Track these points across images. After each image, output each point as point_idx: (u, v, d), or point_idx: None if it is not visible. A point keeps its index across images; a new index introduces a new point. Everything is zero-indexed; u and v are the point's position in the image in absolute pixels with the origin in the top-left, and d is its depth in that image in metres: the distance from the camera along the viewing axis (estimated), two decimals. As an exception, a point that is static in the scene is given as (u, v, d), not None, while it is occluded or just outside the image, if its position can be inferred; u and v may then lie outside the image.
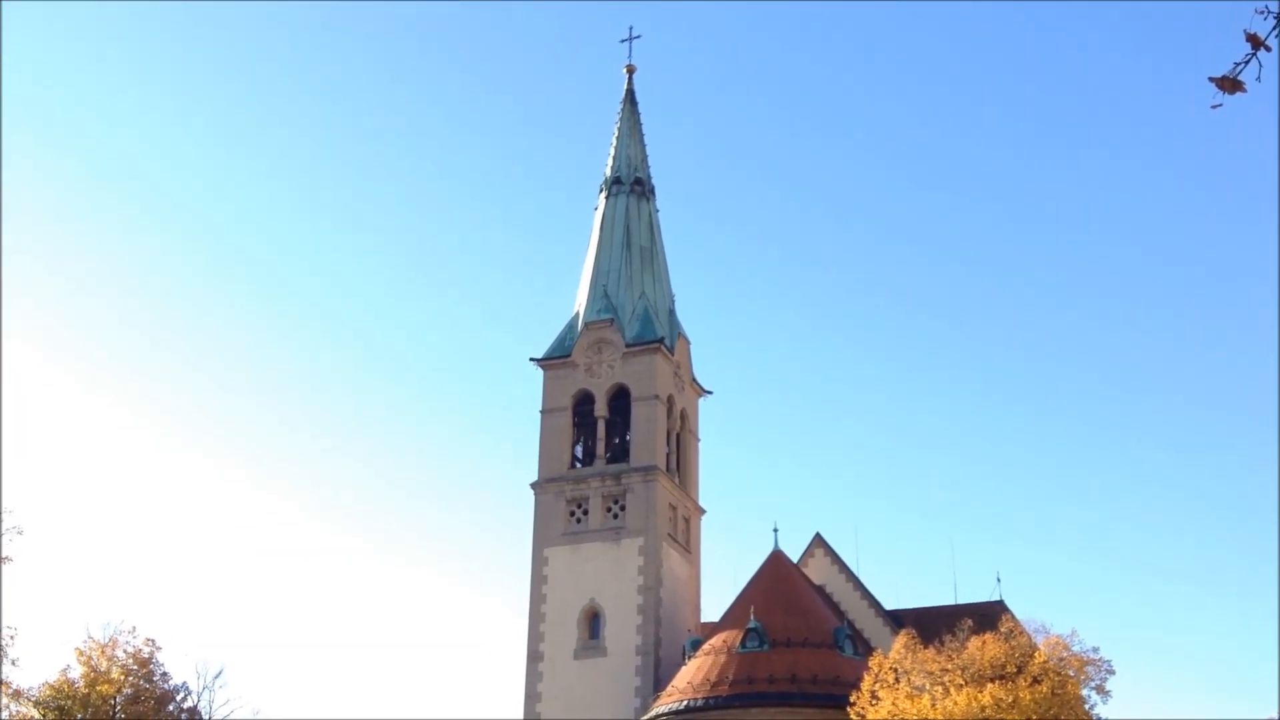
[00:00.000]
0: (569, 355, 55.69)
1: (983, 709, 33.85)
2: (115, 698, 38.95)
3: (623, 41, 62.56)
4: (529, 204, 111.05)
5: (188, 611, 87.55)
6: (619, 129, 61.22)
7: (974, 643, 35.84)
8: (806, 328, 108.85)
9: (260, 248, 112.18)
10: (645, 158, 61.15)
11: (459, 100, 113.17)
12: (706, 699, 44.74)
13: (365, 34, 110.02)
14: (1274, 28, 8.86)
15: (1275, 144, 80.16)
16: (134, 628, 40.34)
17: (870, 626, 50.76)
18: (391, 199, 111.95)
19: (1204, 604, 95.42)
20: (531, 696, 50.55)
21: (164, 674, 40.57)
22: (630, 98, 62.03)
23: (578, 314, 57.18)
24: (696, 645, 48.21)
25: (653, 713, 45.92)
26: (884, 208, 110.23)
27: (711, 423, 60.42)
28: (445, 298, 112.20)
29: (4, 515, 32.23)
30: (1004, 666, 35.19)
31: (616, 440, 54.83)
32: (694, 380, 58.35)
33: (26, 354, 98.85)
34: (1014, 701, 33.86)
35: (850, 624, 49.12)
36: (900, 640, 38.03)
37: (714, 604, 53.78)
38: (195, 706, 41.15)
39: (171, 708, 40.15)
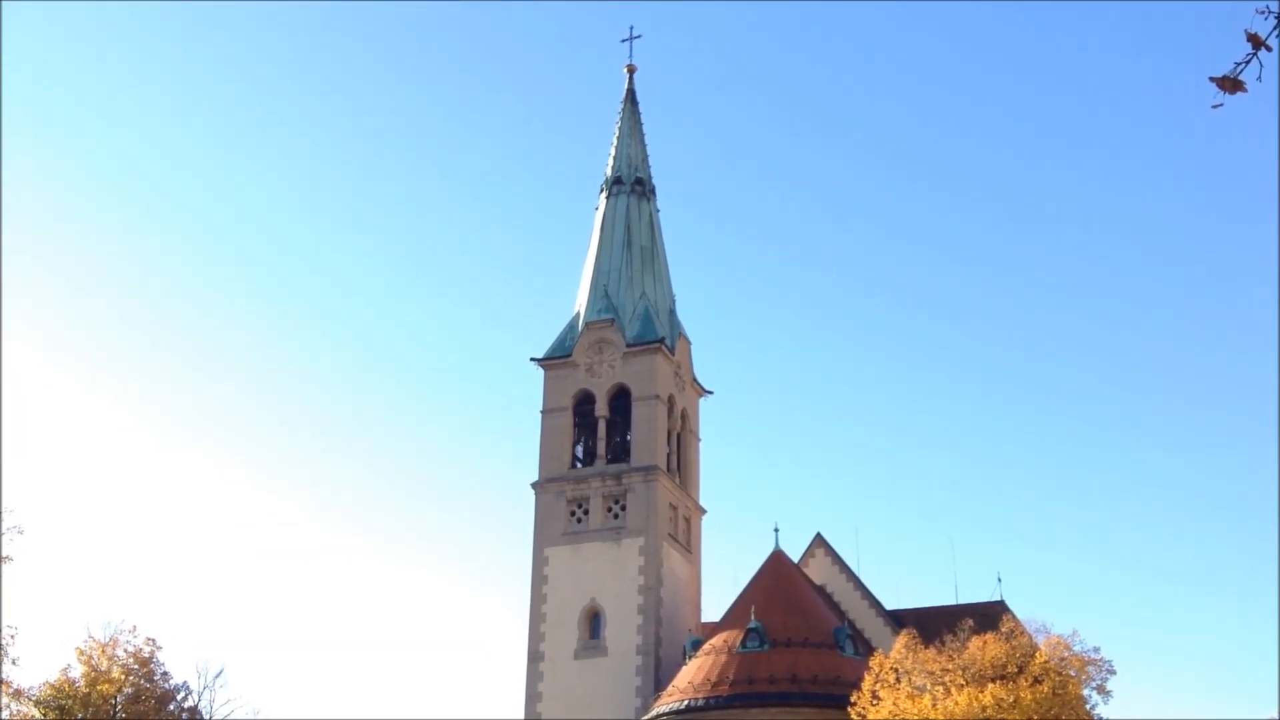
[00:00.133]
0: (569, 355, 55.69)
1: (984, 709, 33.85)
2: (116, 697, 38.96)
3: (623, 41, 62.66)
4: (529, 204, 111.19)
5: (188, 611, 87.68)
6: (619, 129, 61.22)
7: (975, 643, 35.83)
8: (806, 328, 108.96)
9: (260, 248, 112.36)
10: (646, 158, 61.16)
11: (459, 100, 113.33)
12: (707, 699, 44.74)
13: (365, 34, 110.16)
14: (1275, 27, 8.86)
15: (1275, 144, 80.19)
16: (134, 627, 40.41)
17: (871, 626, 50.76)
18: (391, 199, 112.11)
19: (1204, 604, 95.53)
20: (532, 696, 50.55)
21: (164, 673, 40.59)
22: (631, 97, 62.03)
23: (578, 314, 57.19)
24: (697, 645, 48.20)
25: (653, 713, 45.92)
26: (884, 208, 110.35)
27: (712, 423, 60.52)
28: (445, 298, 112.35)
29: (4, 515, 32.25)
30: (1005, 666, 35.18)
31: (617, 440, 54.83)
32: (694, 380, 58.35)
33: (26, 354, 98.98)
34: (1015, 701, 33.86)
35: (851, 624, 49.11)
36: (901, 640, 38.02)
37: (714, 604, 53.89)
38: (196, 706, 41.16)
39: (172, 707, 40.15)
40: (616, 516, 52.57)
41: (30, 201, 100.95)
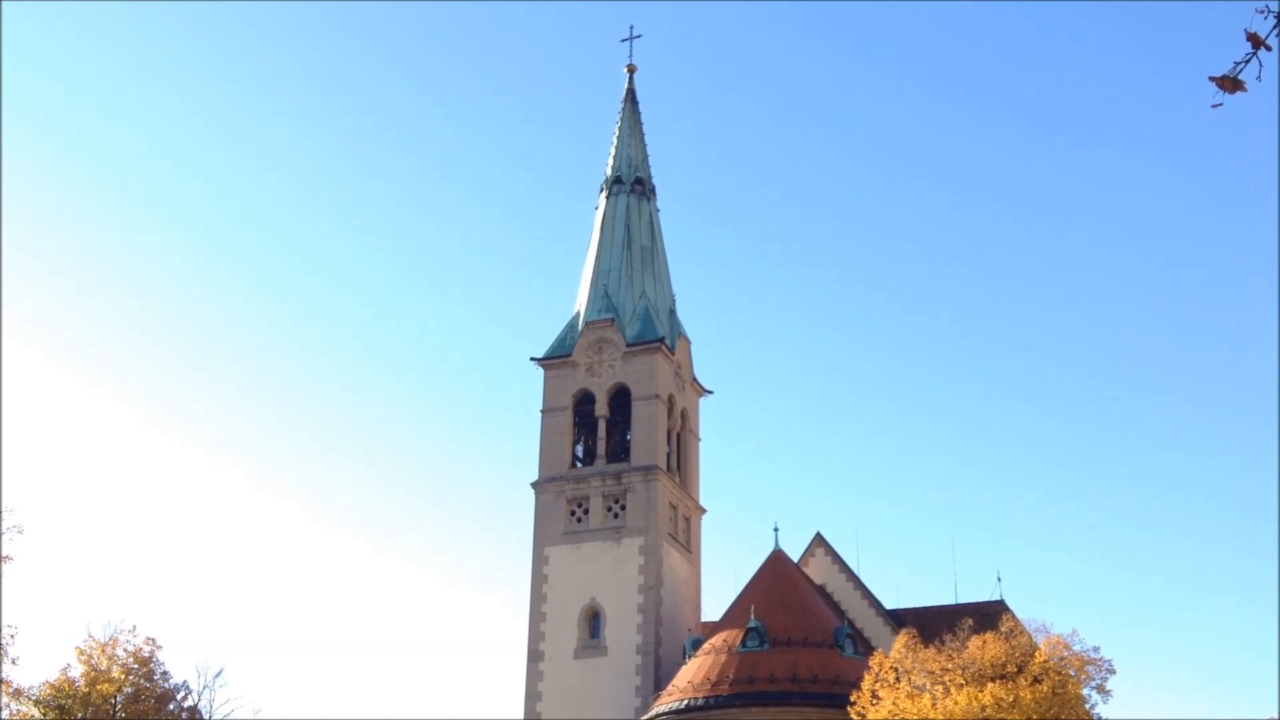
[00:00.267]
0: (569, 355, 55.70)
1: (983, 708, 33.85)
2: (116, 696, 38.94)
3: (623, 41, 62.66)
4: (529, 204, 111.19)
5: (188, 611, 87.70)
6: (619, 128, 61.22)
7: (974, 642, 35.83)
8: (806, 328, 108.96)
9: (260, 247, 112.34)
10: (646, 157, 61.15)
11: (459, 100, 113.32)
12: (707, 698, 44.74)
13: (365, 34, 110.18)
14: (1274, 27, 8.86)
15: (1275, 144, 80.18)
16: (134, 626, 40.36)
17: (871, 626, 50.77)
18: (392, 198, 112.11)
19: (1204, 604, 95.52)
20: (532, 696, 50.56)
21: (164, 673, 40.55)
22: (631, 97, 62.03)
23: (578, 313, 57.19)
24: (697, 645, 48.21)
25: (653, 712, 45.93)
26: (884, 207, 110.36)
27: (712, 422, 60.53)
28: (445, 297, 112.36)
29: (4, 514, 32.24)
30: (1004, 666, 35.18)
31: (617, 440, 54.84)
32: (694, 380, 58.36)
33: (26, 354, 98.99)
34: (1014, 701, 33.86)
35: (851, 623, 49.12)
36: (901, 640, 38.02)
37: (714, 603, 53.91)
38: (196, 705, 41.12)
39: (172, 707, 40.12)
40: (616, 516, 52.57)
41: (30, 201, 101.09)
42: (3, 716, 37.62)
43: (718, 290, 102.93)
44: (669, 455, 55.16)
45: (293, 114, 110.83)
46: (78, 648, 39.53)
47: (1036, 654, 35.53)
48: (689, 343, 58.42)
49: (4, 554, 32.26)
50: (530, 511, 53.91)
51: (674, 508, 54.10)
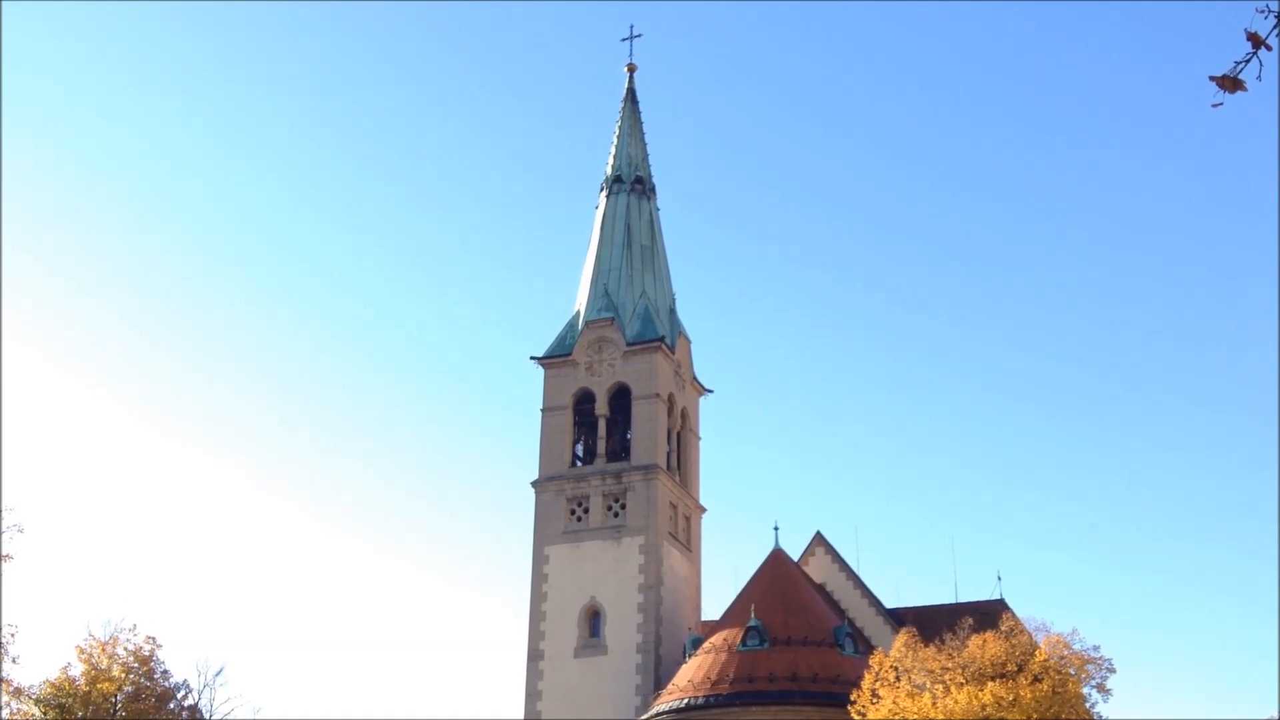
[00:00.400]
0: (570, 354, 55.70)
1: (983, 707, 33.86)
2: (116, 695, 38.97)
3: (623, 40, 62.65)
4: (529, 203, 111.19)
5: (188, 610, 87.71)
6: (620, 128, 61.22)
7: (974, 641, 35.84)
8: (807, 327, 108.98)
9: (260, 247, 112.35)
10: (646, 156, 61.15)
11: (460, 99, 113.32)
12: (707, 697, 44.76)
13: (366, 33, 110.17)
14: (1275, 27, 8.87)
15: (1276, 144, 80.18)
16: (135, 625, 40.39)
17: (871, 625, 50.79)
18: (392, 198, 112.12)
19: (1204, 604, 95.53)
20: (532, 695, 50.58)
21: (165, 672, 40.58)
22: (631, 96, 62.02)
23: (578, 313, 57.20)
24: (697, 644, 48.22)
25: (653, 711, 45.95)
26: (884, 207, 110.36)
27: (712, 421, 60.53)
28: (445, 297, 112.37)
29: (4, 513, 32.27)
30: (1004, 665, 35.19)
31: (617, 439, 54.84)
32: (694, 379, 58.37)
33: (26, 354, 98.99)
34: (1014, 700, 33.87)
35: (851, 622, 49.13)
36: (901, 639, 38.03)
37: (714, 602, 53.91)
38: (196, 704, 41.15)
39: (172, 705, 40.15)
40: (616, 515, 52.59)
41: (30, 201, 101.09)
42: (3, 715, 37.64)
43: (718, 290, 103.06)
44: (669, 454, 55.18)
45: (292, 114, 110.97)
46: (78, 646, 39.58)
47: (1036, 653, 35.54)
48: (689, 342, 58.43)
49: (4, 553, 32.31)
50: (530, 511, 53.96)
51: (674, 507, 54.11)
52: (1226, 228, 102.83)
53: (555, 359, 55.96)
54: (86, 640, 39.70)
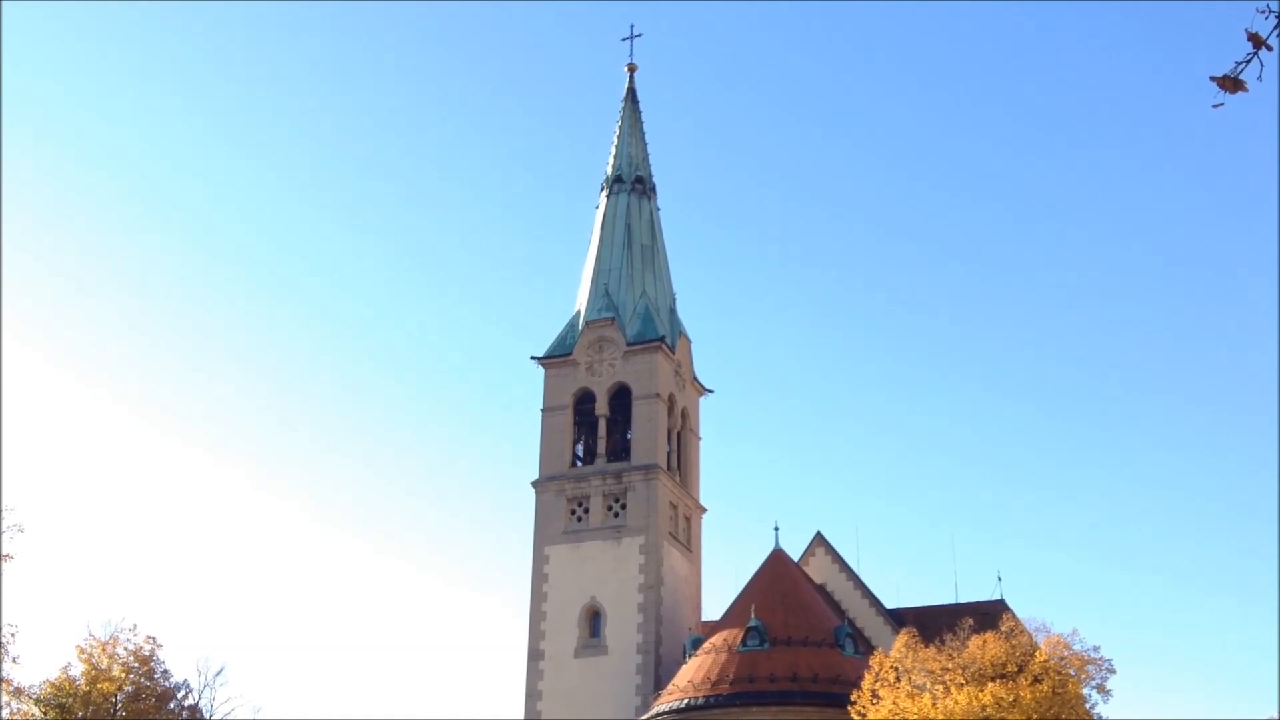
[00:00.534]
0: (570, 354, 55.69)
1: (983, 708, 33.85)
2: (116, 695, 38.96)
3: (624, 40, 62.66)
4: (530, 203, 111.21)
5: (188, 610, 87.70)
6: (620, 127, 61.21)
7: (975, 642, 35.84)
8: (807, 326, 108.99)
9: (260, 247, 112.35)
10: (646, 156, 61.14)
11: (460, 99, 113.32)
12: (707, 697, 44.74)
13: (366, 33, 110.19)
14: (1275, 27, 8.87)
15: (1276, 144, 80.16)
16: (135, 625, 40.41)
17: (871, 625, 50.78)
18: (392, 198, 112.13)
19: (1204, 604, 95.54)
20: (532, 695, 50.57)
21: (165, 672, 40.59)
22: (631, 96, 62.01)
23: (579, 312, 57.19)
24: (697, 644, 48.21)
25: (653, 711, 45.94)
26: (884, 207, 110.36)
27: (712, 421, 60.51)
28: (446, 297, 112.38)
29: (5, 513, 32.27)
30: (1005, 665, 35.18)
31: (617, 439, 54.83)
32: (695, 379, 58.36)
33: (26, 353, 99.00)
34: (1015, 700, 33.86)
35: (851, 623, 49.12)
36: (901, 639, 38.02)
37: (715, 603, 53.91)
38: (196, 704, 41.15)
39: (172, 705, 40.15)
40: (617, 515, 52.57)
41: (30, 200, 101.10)
42: (3, 715, 37.64)
43: (718, 290, 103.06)
44: (669, 454, 55.16)
45: (293, 114, 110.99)
46: (78, 646, 39.59)
47: (1037, 653, 35.53)
48: (689, 342, 58.42)
49: (4, 553, 32.30)
50: (530, 511, 53.96)
51: (674, 507, 54.10)
52: (1227, 228, 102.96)
53: (555, 359, 55.95)
54: (87, 640, 39.72)
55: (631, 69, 62.33)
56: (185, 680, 41.31)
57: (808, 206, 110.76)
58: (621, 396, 54.89)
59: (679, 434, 56.44)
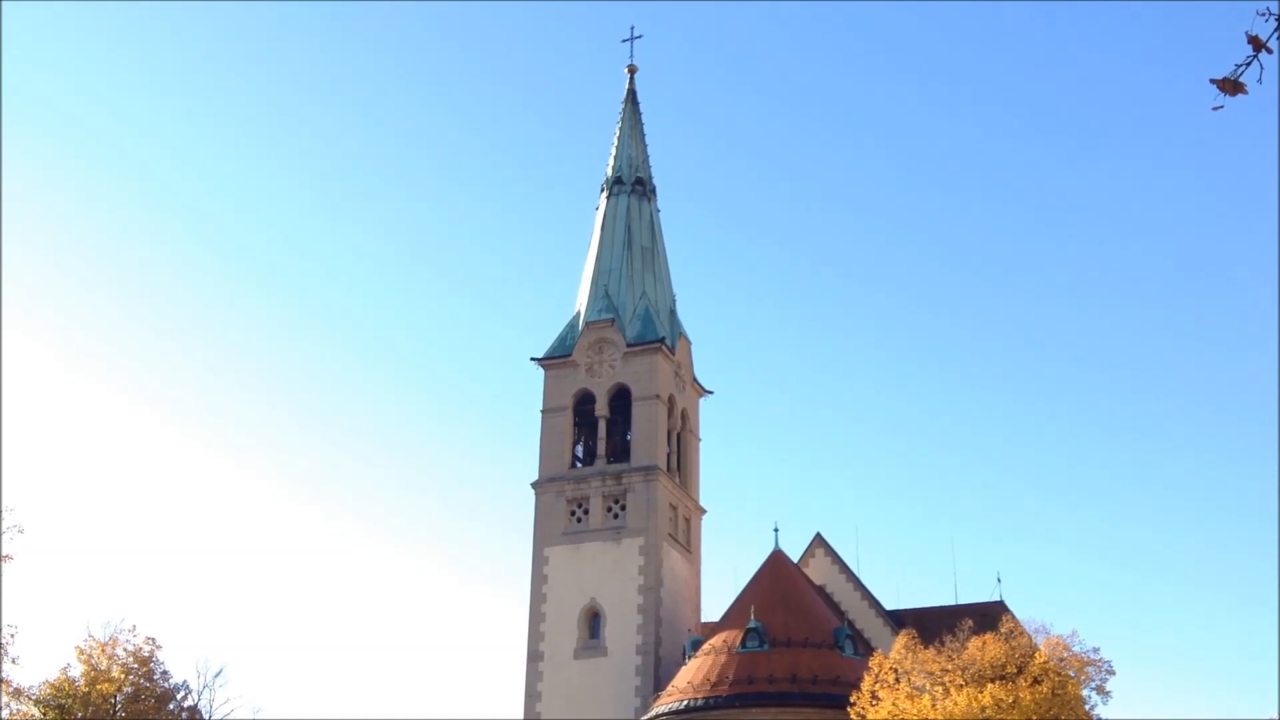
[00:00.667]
0: (570, 355, 55.70)
1: (983, 709, 33.86)
2: (115, 696, 38.93)
3: (624, 41, 62.68)
4: (530, 203, 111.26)
5: (188, 610, 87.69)
6: (620, 129, 61.23)
7: (974, 643, 35.85)
8: (807, 328, 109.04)
9: (261, 246, 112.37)
10: (646, 158, 61.16)
11: (461, 100, 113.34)
12: (706, 699, 44.74)
13: (368, 33, 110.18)
14: (1275, 30, 8.87)
15: (1276, 146, 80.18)
16: (134, 626, 40.33)
17: (870, 627, 50.77)
18: (393, 198, 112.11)
19: (1204, 604, 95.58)
20: (531, 696, 50.56)
21: (164, 672, 40.54)
22: (631, 98, 62.03)
23: (579, 313, 57.19)
24: (697, 645, 48.21)
25: (653, 712, 45.93)
26: (884, 207, 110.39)
27: (712, 422, 60.53)
28: (446, 298, 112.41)
29: (4, 513, 32.24)
30: (1004, 667, 35.20)
31: (617, 440, 54.83)
32: (695, 380, 58.35)
33: (26, 353, 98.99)
34: (1014, 702, 33.87)
35: (850, 624, 49.11)
36: (900, 640, 38.04)
37: (714, 604, 53.89)
38: (196, 705, 41.12)
39: (172, 706, 40.11)
40: (616, 516, 52.57)
41: (32, 199, 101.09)
42: (3, 716, 37.63)
43: (718, 290, 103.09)
44: (669, 455, 55.16)
45: (293, 113, 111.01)
46: (78, 647, 39.53)
47: (1036, 655, 35.55)
48: (689, 343, 58.43)
49: (4, 553, 32.28)
50: (530, 511, 53.94)
51: (674, 508, 54.10)
52: (1227, 229, 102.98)
53: (555, 360, 55.95)
54: (86, 641, 39.67)
55: (632, 70, 62.39)
56: (185, 681, 41.31)
57: (807, 208, 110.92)
58: (621, 398, 54.88)
59: (679, 435, 56.44)
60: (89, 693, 38.41)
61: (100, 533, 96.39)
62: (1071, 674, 35.33)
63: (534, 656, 51.19)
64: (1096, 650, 36.01)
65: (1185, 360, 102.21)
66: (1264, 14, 8.86)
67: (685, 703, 45.01)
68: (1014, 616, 39.23)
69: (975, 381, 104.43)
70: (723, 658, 46.06)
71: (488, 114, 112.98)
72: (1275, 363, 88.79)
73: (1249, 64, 8.93)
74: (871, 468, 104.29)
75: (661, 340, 54.98)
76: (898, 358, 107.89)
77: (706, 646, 47.39)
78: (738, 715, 44.15)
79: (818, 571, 53.15)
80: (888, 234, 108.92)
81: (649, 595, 50.66)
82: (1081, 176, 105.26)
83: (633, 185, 59.66)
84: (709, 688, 45.02)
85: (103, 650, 39.49)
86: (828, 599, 51.39)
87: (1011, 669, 35.14)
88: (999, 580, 51.34)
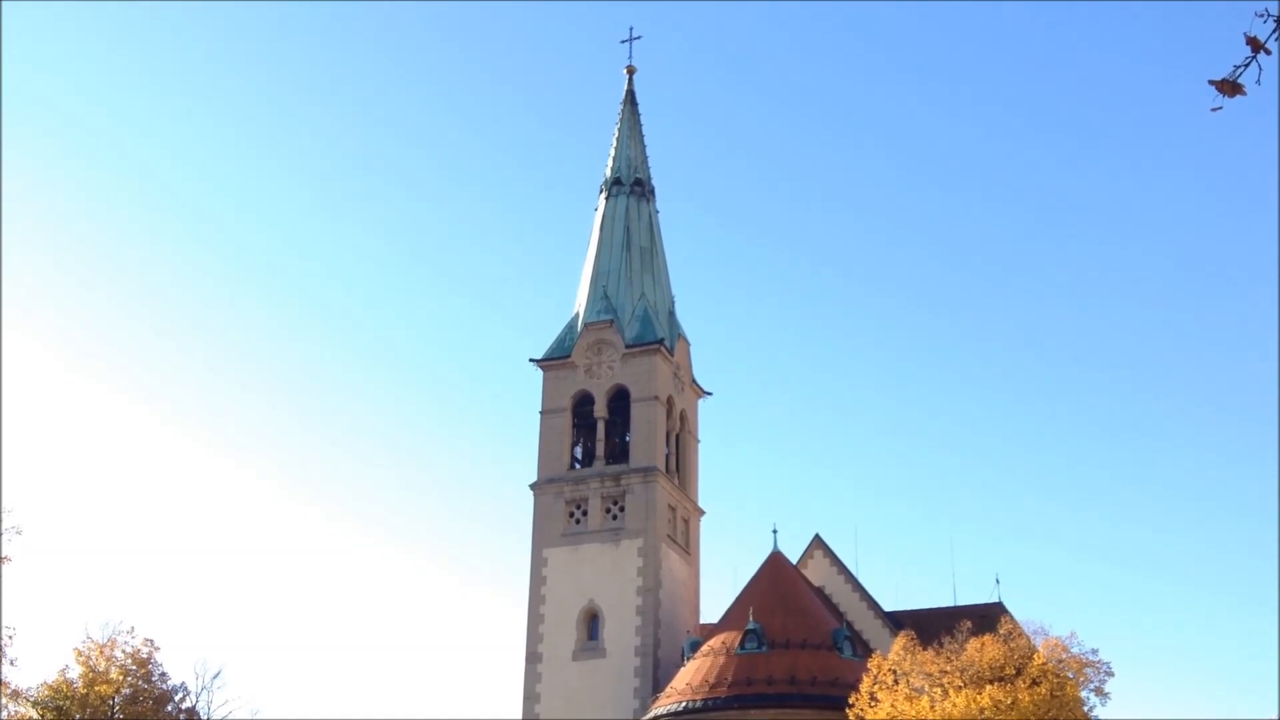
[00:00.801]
0: (569, 356, 55.67)
1: (981, 711, 33.86)
2: (114, 698, 38.90)
3: (623, 42, 62.62)
4: (529, 204, 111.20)
5: (186, 612, 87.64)
6: (619, 130, 61.22)
7: (973, 644, 35.85)
8: (806, 328, 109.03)
9: (261, 246, 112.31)
10: (645, 158, 61.14)
11: (460, 100, 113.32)
12: (705, 700, 44.72)
13: (367, 33, 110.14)
14: (1274, 31, 8.86)
15: (1275, 147, 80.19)
16: (132, 628, 40.32)
17: (869, 628, 50.76)
18: (392, 199, 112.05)
19: (1204, 604, 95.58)
20: (530, 697, 50.53)
21: (162, 674, 40.52)
22: (630, 98, 62.02)
23: (577, 315, 57.17)
24: (695, 646, 48.19)
25: (651, 714, 45.90)
26: (884, 208, 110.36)
27: (711, 424, 60.49)
28: (444, 298, 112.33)
29: (3, 515, 32.20)
30: (1003, 668, 35.20)
31: (616, 441, 54.81)
32: (694, 381, 58.33)
33: (26, 353, 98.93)
34: (1013, 703, 33.87)
35: (849, 625, 49.10)
36: (899, 642, 38.03)
37: (713, 605, 53.87)
38: (194, 707, 41.10)
39: (170, 708, 40.09)
40: (615, 518, 52.54)
41: (32, 199, 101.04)
42: (2, 717, 37.59)
43: (717, 291, 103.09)
44: (668, 457, 55.12)
45: (293, 113, 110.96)
46: (76, 649, 39.51)
47: (1035, 656, 35.55)
48: (688, 344, 58.41)
49: (3, 555, 32.25)
50: (529, 513, 53.92)
51: (673, 509, 54.07)
52: (1226, 231, 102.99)
53: (554, 361, 55.93)
54: (84, 643, 39.64)
55: (631, 71, 62.37)
56: (183, 683, 41.31)
57: (807, 208, 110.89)
58: (620, 399, 54.86)
59: (678, 436, 56.41)
60: (87, 694, 38.38)
61: (99, 533, 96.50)
62: (1070, 675, 35.34)
63: (532, 658, 51.17)
64: (1095, 652, 36.06)
65: (1185, 360, 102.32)
66: (1262, 15, 8.86)
67: (684, 704, 44.99)
68: (1013, 618, 39.23)
69: (975, 382, 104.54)
70: (721, 659, 46.04)
71: (488, 114, 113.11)
72: (1275, 363, 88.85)
73: (1247, 65, 8.92)
74: (870, 469, 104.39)
75: (660, 341, 54.96)
76: (897, 358, 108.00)
77: (705, 648, 47.37)
78: (736, 717, 44.13)
79: (816, 573, 53.13)
80: (887, 235, 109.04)
81: (648, 596, 50.63)
82: (1081, 176, 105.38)
83: (632, 186, 59.65)
84: (708, 689, 45.00)
85: (101, 652, 39.47)
86: (826, 600, 51.37)
87: (1010, 670, 35.14)
88: (998, 582, 51.43)
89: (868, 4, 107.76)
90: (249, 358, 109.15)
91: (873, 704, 36.35)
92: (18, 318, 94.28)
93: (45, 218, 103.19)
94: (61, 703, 38.27)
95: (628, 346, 55.02)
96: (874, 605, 52.19)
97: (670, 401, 55.73)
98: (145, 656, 39.99)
